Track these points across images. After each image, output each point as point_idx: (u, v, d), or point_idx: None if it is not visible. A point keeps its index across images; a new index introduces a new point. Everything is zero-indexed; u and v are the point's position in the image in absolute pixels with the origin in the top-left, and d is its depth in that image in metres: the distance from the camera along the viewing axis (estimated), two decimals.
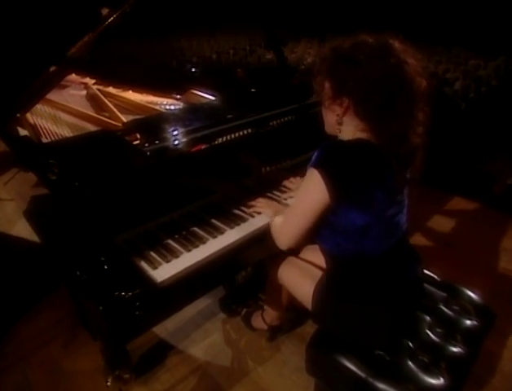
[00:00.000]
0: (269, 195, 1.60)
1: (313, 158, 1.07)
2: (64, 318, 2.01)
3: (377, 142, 1.07)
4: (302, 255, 1.50)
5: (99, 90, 2.21)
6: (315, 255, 1.42)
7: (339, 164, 1.04)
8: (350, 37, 1.06)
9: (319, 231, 1.18)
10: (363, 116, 1.06)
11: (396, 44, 1.04)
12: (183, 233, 1.35)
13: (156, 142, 1.43)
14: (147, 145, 1.41)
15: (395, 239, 1.18)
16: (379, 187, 1.08)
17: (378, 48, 1.02)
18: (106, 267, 1.12)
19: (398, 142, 1.04)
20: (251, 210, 1.44)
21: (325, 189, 1.04)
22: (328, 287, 1.26)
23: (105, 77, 2.47)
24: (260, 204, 1.45)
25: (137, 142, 1.44)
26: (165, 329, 1.92)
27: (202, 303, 2.05)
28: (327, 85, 1.10)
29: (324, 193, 1.05)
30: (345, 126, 1.12)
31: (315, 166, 1.05)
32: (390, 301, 1.19)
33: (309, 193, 1.09)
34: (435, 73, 4.94)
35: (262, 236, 1.37)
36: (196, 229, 1.37)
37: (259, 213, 1.43)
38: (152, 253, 1.25)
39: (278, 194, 1.60)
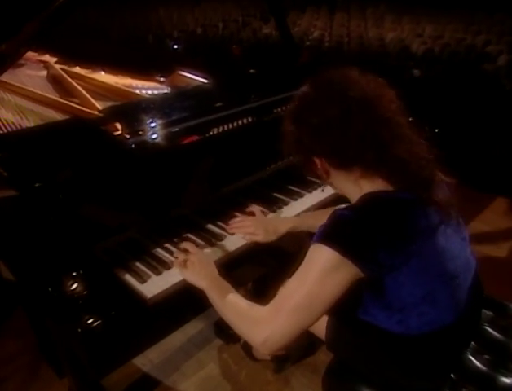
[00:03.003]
0: (276, 194, 1.66)
1: (322, 232, 1.06)
2: (20, 353, 2.02)
3: (381, 183, 1.09)
4: None
5: (63, 70, 2.24)
6: None
7: (365, 234, 1.02)
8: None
9: (368, 312, 1.14)
10: (341, 164, 1.11)
11: (323, 79, 1.12)
12: (175, 240, 1.40)
13: (141, 132, 1.49)
14: (129, 136, 1.47)
15: (466, 292, 1.17)
16: (424, 239, 1.07)
17: (309, 94, 1.11)
18: (84, 282, 1.16)
19: (395, 167, 1.06)
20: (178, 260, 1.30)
21: (355, 268, 1.01)
22: (360, 333, 1.23)
23: (69, 55, 2.50)
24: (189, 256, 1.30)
25: (118, 132, 1.50)
26: (148, 361, 1.96)
27: (193, 328, 2.09)
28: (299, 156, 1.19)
29: (352, 273, 1.02)
30: (340, 185, 1.18)
31: (331, 243, 1.02)
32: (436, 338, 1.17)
33: (325, 276, 1.03)
34: (473, 46, 5.01)
35: (268, 245, 1.42)
36: (190, 235, 1.43)
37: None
38: (139, 265, 1.30)
39: (282, 197, 1.67)
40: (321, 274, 1.03)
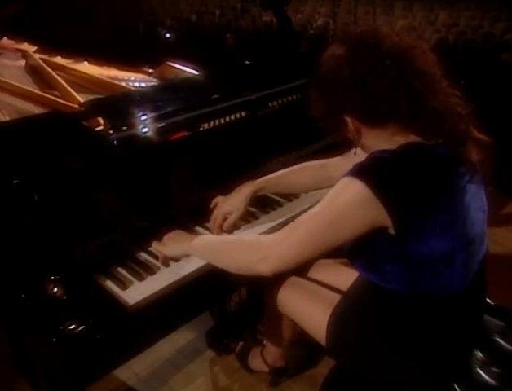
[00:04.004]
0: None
1: (358, 167, 1.09)
2: None
3: (415, 139, 1.13)
4: (309, 273, 1.55)
5: (42, 60, 2.25)
6: (327, 272, 1.49)
7: (400, 180, 1.07)
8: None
9: (380, 268, 1.17)
10: (374, 121, 1.15)
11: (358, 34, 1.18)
12: None
13: (125, 128, 1.50)
14: (112, 132, 1.48)
15: (477, 265, 1.21)
16: (456, 195, 1.12)
17: (338, 52, 1.15)
18: (60, 288, 1.18)
19: (431, 120, 1.11)
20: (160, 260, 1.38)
21: (383, 211, 1.05)
22: (361, 320, 1.29)
23: (50, 44, 2.51)
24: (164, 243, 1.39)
25: (100, 128, 1.51)
26: (134, 374, 1.96)
27: (183, 337, 2.10)
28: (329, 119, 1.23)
29: (377, 215, 1.06)
30: (372, 146, 1.18)
31: (365, 178, 1.05)
32: (443, 342, 1.23)
33: (350, 209, 1.09)
34: (491, 34, 5.00)
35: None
36: None
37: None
38: (121, 270, 1.32)
39: (276, 197, 1.68)
40: (348, 206, 1.08)
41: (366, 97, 1.10)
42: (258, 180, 1.56)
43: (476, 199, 1.18)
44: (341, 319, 1.33)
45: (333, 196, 1.12)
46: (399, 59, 1.09)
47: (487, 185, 1.23)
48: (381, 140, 1.16)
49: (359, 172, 1.08)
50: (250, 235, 1.24)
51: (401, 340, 1.23)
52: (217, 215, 1.50)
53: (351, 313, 1.32)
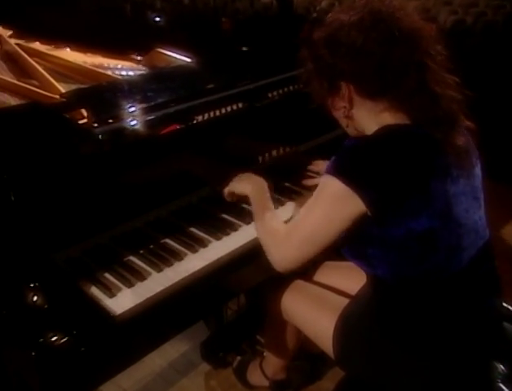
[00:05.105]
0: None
1: (333, 162, 1.18)
2: None
3: (403, 118, 1.20)
4: (315, 277, 1.57)
5: (19, 46, 2.23)
6: (333, 276, 1.51)
7: (373, 165, 1.14)
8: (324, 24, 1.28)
9: (362, 252, 1.24)
10: (371, 92, 1.21)
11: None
12: (151, 247, 1.42)
13: (111, 120, 1.50)
14: (97, 125, 1.47)
15: (474, 250, 1.25)
16: (432, 176, 1.16)
17: (365, 17, 1.19)
18: (40, 296, 1.18)
19: (426, 100, 1.18)
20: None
21: (359, 201, 1.12)
22: (366, 322, 1.31)
23: (27, 28, 2.50)
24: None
25: (83, 120, 1.51)
26: (122, 390, 1.97)
27: (176, 350, 2.10)
28: (323, 83, 1.28)
29: (356, 206, 1.14)
30: (360, 119, 1.27)
31: (339, 175, 1.14)
32: (458, 350, 1.24)
33: (331, 209, 1.18)
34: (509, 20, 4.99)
35: (261, 251, 1.44)
36: (169, 241, 1.45)
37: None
38: (108, 275, 1.32)
39: (277, 196, 1.68)
40: (330, 206, 1.18)
41: (373, 66, 1.16)
42: None
43: (464, 183, 1.22)
44: (348, 325, 1.35)
45: (315, 201, 1.22)
46: (412, 36, 1.16)
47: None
48: (369, 115, 1.24)
49: (334, 169, 1.16)
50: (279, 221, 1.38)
51: (406, 342, 1.25)
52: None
53: (358, 317, 1.34)
